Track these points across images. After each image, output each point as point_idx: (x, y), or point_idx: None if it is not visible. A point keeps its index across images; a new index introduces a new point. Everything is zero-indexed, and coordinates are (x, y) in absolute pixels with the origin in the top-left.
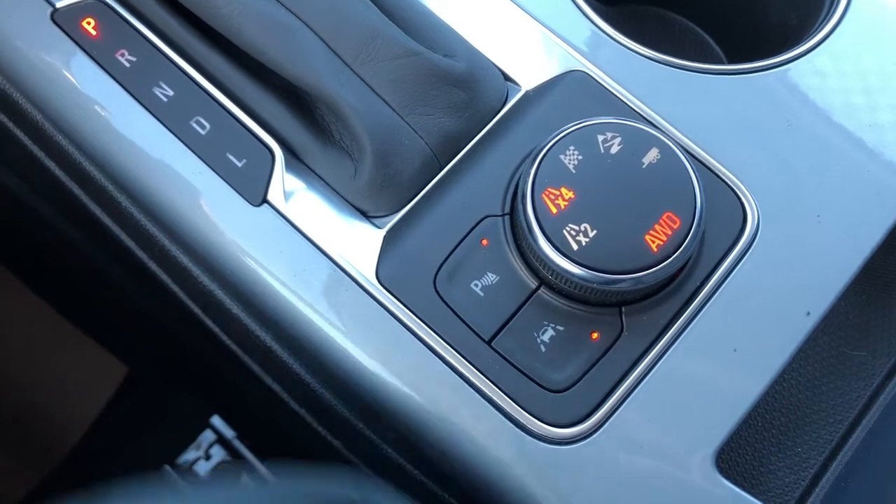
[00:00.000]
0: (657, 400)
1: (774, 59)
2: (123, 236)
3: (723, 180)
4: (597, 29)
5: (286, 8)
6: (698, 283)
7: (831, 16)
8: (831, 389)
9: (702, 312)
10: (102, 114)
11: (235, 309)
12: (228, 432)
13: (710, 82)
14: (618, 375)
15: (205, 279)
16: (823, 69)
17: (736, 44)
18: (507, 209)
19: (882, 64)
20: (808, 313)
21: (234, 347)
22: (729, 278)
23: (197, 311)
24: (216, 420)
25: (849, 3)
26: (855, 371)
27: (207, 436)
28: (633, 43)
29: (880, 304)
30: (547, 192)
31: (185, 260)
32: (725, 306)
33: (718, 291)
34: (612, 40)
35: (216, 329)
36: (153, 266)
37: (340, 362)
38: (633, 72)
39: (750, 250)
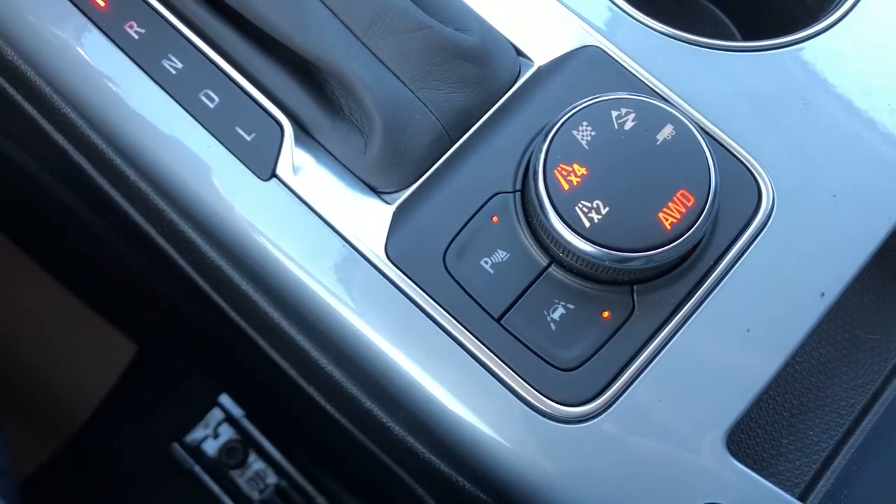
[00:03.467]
0: (668, 380)
1: (791, 36)
2: (132, 211)
3: (738, 158)
4: (611, 4)
5: None
6: (711, 263)
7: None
8: (844, 373)
9: (715, 292)
10: (111, 86)
11: (244, 285)
12: (237, 411)
13: (726, 59)
14: (629, 354)
15: (213, 254)
16: (840, 49)
17: (752, 22)
18: (519, 186)
19: (888, 48)
20: (823, 294)
21: (242, 324)
22: (743, 258)
23: (206, 287)
24: (224, 399)
25: None
26: (869, 354)
27: (216, 414)
28: (648, 19)
29: (894, 285)
30: (559, 169)
31: (193, 235)
32: (739, 286)
33: (732, 271)
34: (626, 15)
35: (225, 305)
36: (162, 242)
37: (349, 339)
38: (647, 48)
39: (764, 230)
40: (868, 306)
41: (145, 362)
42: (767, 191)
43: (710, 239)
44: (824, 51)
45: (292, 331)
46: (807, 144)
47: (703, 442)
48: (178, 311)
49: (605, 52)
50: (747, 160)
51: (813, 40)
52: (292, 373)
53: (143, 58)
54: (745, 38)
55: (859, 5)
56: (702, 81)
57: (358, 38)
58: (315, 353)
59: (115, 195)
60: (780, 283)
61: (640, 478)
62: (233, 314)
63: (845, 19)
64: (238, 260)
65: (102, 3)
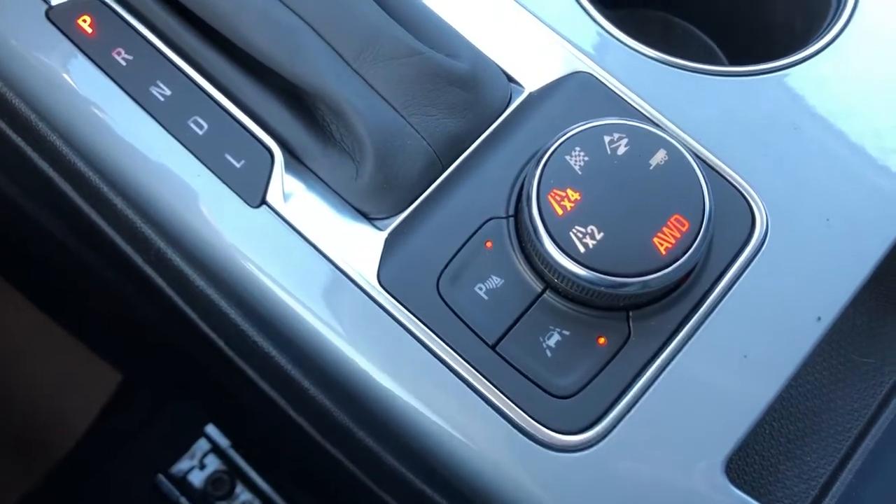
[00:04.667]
0: (666, 406)
1: (781, 61)
2: (119, 239)
3: (730, 183)
4: (601, 30)
5: (287, 7)
6: (707, 288)
7: (837, 20)
8: (840, 397)
9: (710, 317)
10: (98, 113)
11: (233, 314)
12: (223, 441)
13: (717, 84)
14: (625, 381)
15: (202, 283)
16: (828, 74)
17: (739, 48)
18: (512, 211)
19: (886, 70)
20: (819, 318)
21: (230, 353)
22: (738, 283)
23: (193, 316)
24: (211, 429)
25: (854, 7)
26: (864, 378)
27: (202, 445)
28: (637, 44)
29: (889, 309)
30: (553, 194)
31: (181, 263)
32: (735, 311)
33: (727, 296)
34: (616, 41)
35: (213, 335)
36: (149, 270)
37: (340, 367)
38: (638, 73)
39: (759, 254)
40: (861, 329)
41: (130, 391)
42: (761, 215)
43: (704, 264)
44: (813, 76)
45: (282, 360)
46: (798, 169)
47: (702, 469)
48: (164, 341)
49: (595, 77)
50: (740, 184)
51: (802, 65)
52: (282, 402)
53: (131, 84)
54: (732, 63)
55: (846, 32)
56: (692, 106)
57: (349, 65)
58: (305, 382)
59: (102, 223)
60: (776, 307)
61: None
62: (221, 343)
63: (833, 45)
64: (227, 288)
65: (90, 30)
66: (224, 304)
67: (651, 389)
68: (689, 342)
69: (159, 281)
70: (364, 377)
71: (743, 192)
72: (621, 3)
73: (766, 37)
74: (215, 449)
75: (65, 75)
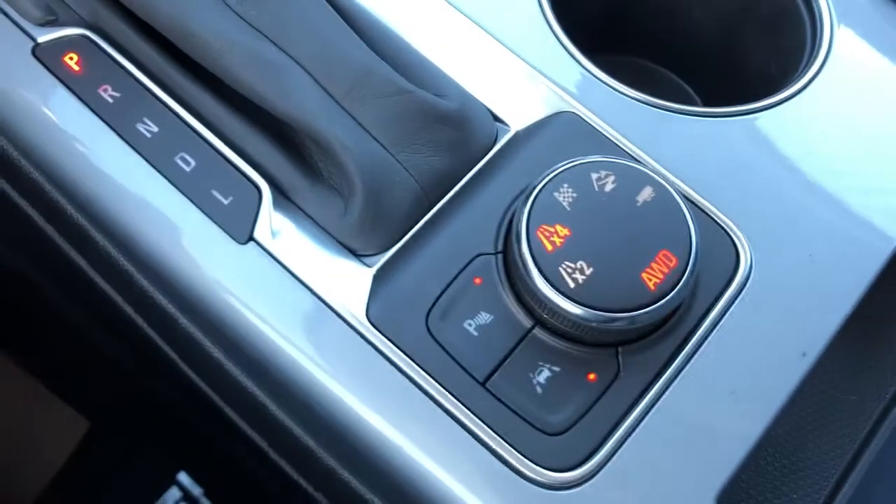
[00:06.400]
0: (656, 443)
1: (759, 103)
2: (98, 278)
3: (713, 220)
4: (584, 71)
5: (276, 46)
6: (694, 324)
7: (811, 65)
8: (823, 434)
9: (698, 353)
10: (83, 150)
11: (217, 353)
12: (196, 489)
13: (698, 124)
14: (616, 418)
15: (185, 321)
16: (804, 115)
17: (715, 93)
18: (500, 247)
19: (859, 112)
20: (804, 354)
21: (211, 395)
22: (724, 318)
23: (174, 356)
24: (183, 476)
25: (827, 55)
26: (845, 416)
27: (173, 493)
28: (620, 85)
29: (867, 343)
30: (542, 230)
31: (165, 302)
32: (722, 347)
33: (714, 332)
34: (599, 82)
35: (193, 376)
36: (129, 310)
37: (328, 406)
38: (621, 113)
39: (744, 290)
40: (841, 364)
41: (99, 438)
42: (745, 251)
43: (691, 300)
44: (792, 116)
45: (266, 399)
46: (779, 206)
47: None
48: (137, 383)
49: (579, 116)
50: (723, 221)
51: (780, 106)
52: (262, 444)
53: (118, 121)
54: (706, 105)
55: (822, 74)
56: (675, 145)
57: (338, 103)
58: (289, 421)
59: (81, 262)
60: (762, 343)
61: None
62: (202, 384)
63: (808, 88)
64: (212, 326)
65: (77, 68)
66: (208, 343)
67: (641, 426)
68: (678, 378)
69: (140, 321)
70: (352, 415)
71: (726, 228)
72: (598, 48)
73: (741, 82)
74: (187, 497)
75: (50, 112)
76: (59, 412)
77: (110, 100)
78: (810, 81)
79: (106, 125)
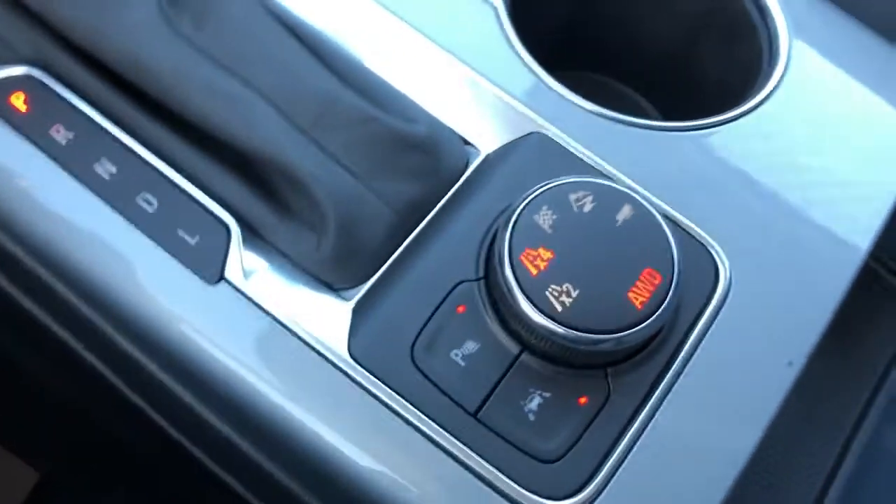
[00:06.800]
0: (653, 463)
1: (724, 115)
2: (56, 326)
3: (690, 234)
4: (551, 89)
5: (236, 76)
6: (679, 340)
7: (769, 77)
8: (804, 445)
9: (686, 370)
10: (37, 195)
11: (188, 397)
12: None
13: (667, 139)
14: (610, 440)
15: (153, 367)
16: (767, 127)
17: (673, 108)
18: (482, 273)
19: (816, 122)
20: (790, 363)
21: (182, 440)
22: (709, 333)
23: (140, 402)
24: None
25: (787, 65)
26: (824, 426)
27: None
28: (588, 102)
29: (843, 350)
30: (525, 254)
31: (131, 348)
32: (709, 361)
33: (700, 346)
34: (567, 100)
35: (163, 422)
36: (90, 358)
37: (312, 447)
38: (590, 131)
39: (726, 303)
40: (818, 374)
41: (50, 488)
42: (723, 264)
43: (674, 316)
44: (756, 128)
45: (244, 444)
46: (753, 217)
47: None
48: (96, 430)
49: (549, 136)
50: (699, 235)
51: (745, 117)
52: (240, 489)
53: (73, 163)
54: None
55: (783, 84)
56: (645, 160)
57: (305, 133)
58: (270, 465)
59: (35, 309)
60: (748, 355)
61: None
62: (172, 431)
63: (773, 96)
64: (184, 371)
65: (24, 107)
66: (179, 389)
67: (637, 447)
68: (669, 396)
69: (102, 368)
70: (339, 456)
71: (703, 242)
72: (553, 65)
73: (699, 96)
74: None
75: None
76: (5, 463)
77: (63, 141)
78: (772, 92)
79: (60, 168)
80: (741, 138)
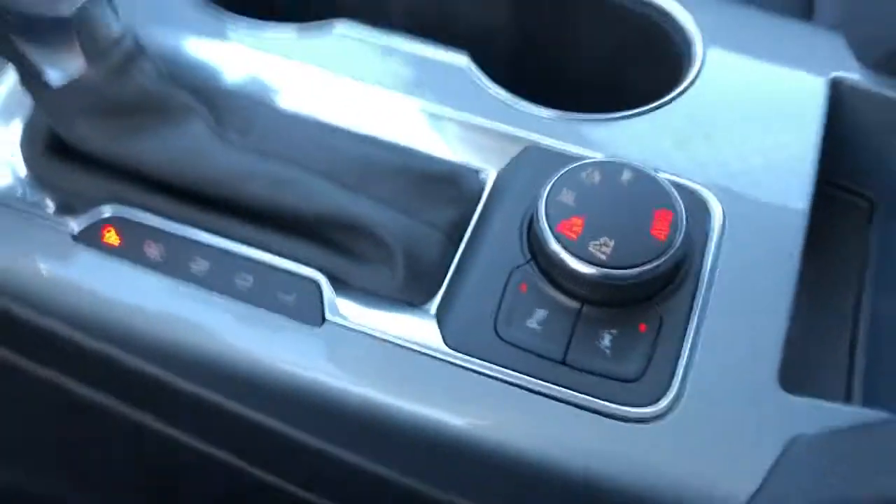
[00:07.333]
0: (711, 361)
1: (656, 102)
2: (171, 429)
3: (676, 183)
4: (529, 112)
5: (287, 163)
6: (699, 264)
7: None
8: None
9: (713, 285)
10: (154, 307)
11: (314, 440)
12: None
13: (630, 123)
14: (675, 353)
15: (282, 427)
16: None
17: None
18: (528, 256)
19: (737, 100)
20: (791, 254)
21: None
22: (721, 254)
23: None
24: None
25: (703, 63)
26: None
27: None
28: (560, 112)
29: (819, 267)
30: (561, 225)
31: (254, 412)
32: (728, 275)
33: (717, 266)
34: (543, 116)
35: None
36: (200, 445)
37: (444, 438)
38: (569, 132)
39: (725, 232)
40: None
41: None
42: (712, 201)
43: (691, 244)
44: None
45: (378, 466)
46: (717, 167)
47: (762, 392)
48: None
49: (541, 146)
50: (683, 182)
51: (676, 101)
52: None
53: (173, 270)
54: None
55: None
56: (617, 143)
57: (356, 190)
58: (409, 479)
59: (157, 424)
60: (755, 262)
61: (725, 445)
62: (291, 487)
63: (694, 85)
64: (314, 415)
65: (117, 240)
66: (310, 439)
67: (697, 352)
68: (707, 309)
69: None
70: (469, 435)
71: (689, 188)
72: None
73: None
74: None
75: (110, 286)
76: None
77: (158, 256)
78: (692, 82)
79: (165, 276)
80: (691, 109)
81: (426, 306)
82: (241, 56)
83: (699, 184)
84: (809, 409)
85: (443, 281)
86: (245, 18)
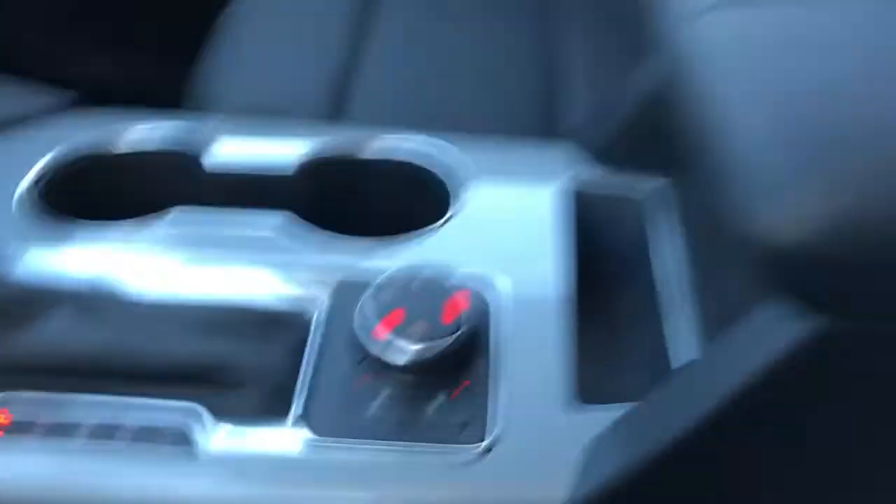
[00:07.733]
0: (520, 399)
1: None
2: None
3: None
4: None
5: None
6: (491, 331)
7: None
8: None
9: (506, 344)
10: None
11: None
12: None
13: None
14: (485, 402)
15: None
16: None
17: None
18: (363, 355)
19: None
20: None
21: None
22: (506, 323)
23: None
24: None
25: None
26: None
27: None
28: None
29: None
30: (377, 328)
31: None
32: (514, 335)
33: (504, 331)
34: (355, 246)
35: None
36: None
37: None
38: (375, 254)
39: (506, 301)
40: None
41: None
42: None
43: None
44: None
45: None
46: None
47: (563, 413)
48: None
49: (348, 280)
50: (470, 271)
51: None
52: None
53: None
54: None
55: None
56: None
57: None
58: None
59: None
60: (536, 317)
61: (541, 464)
62: None
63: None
64: None
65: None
66: None
67: (501, 395)
68: (506, 360)
69: None
70: None
71: (475, 275)
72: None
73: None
74: None
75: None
76: None
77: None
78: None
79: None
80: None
81: (287, 417)
82: (83, 256)
83: (481, 270)
84: (605, 414)
85: (293, 395)
86: (84, 221)
